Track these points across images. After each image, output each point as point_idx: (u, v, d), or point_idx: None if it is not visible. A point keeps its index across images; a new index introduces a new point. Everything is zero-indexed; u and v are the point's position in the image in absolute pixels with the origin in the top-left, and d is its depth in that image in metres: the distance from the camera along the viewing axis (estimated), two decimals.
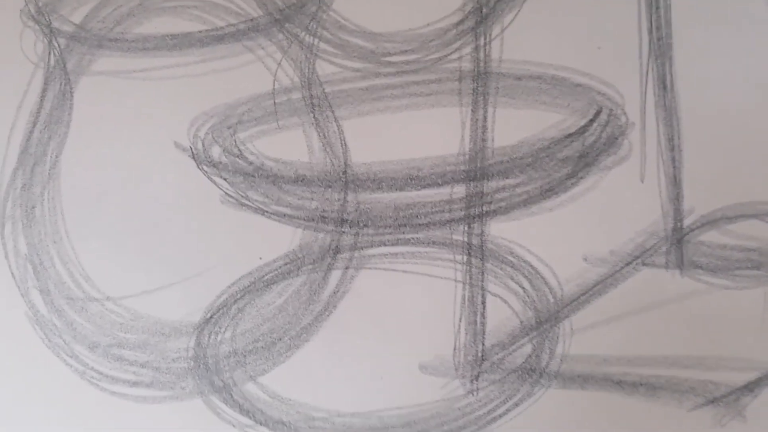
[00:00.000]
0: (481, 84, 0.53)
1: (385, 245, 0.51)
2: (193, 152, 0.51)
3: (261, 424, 0.49)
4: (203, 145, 0.51)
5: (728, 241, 0.52)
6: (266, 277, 0.50)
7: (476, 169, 0.52)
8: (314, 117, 0.52)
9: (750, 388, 0.51)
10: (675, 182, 0.52)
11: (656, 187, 0.52)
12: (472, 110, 0.53)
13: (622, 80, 0.54)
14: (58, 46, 0.52)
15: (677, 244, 0.52)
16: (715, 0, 0.55)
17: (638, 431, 0.51)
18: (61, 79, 0.52)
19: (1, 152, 0.51)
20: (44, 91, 0.51)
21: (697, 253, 0.52)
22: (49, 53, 0.52)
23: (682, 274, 0.52)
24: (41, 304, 0.49)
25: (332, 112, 0.52)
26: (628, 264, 0.51)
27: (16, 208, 0.50)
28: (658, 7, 0.55)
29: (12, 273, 0.49)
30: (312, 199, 0.51)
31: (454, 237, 0.51)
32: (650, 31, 0.54)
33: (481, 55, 0.53)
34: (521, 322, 0.51)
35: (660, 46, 0.54)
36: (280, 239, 0.51)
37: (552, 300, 0.51)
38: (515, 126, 0.53)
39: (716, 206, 0.52)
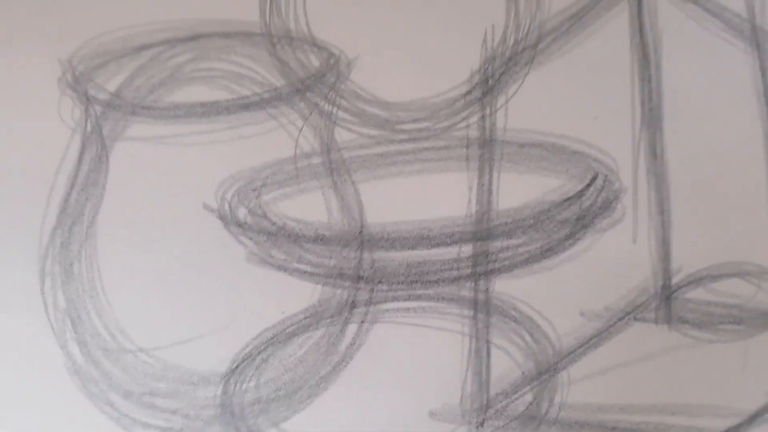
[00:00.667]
0: (487, 150, 0.57)
1: (397, 300, 0.55)
2: (220, 213, 0.55)
3: None
4: (230, 207, 0.55)
5: (712, 298, 0.56)
6: (288, 330, 0.54)
7: (482, 229, 0.56)
8: (333, 180, 0.56)
9: None
10: (664, 243, 0.57)
11: (647, 247, 0.56)
12: (478, 175, 0.57)
13: (617, 148, 0.58)
14: (95, 112, 0.56)
15: (666, 301, 0.56)
16: (704, 74, 0.60)
17: None
18: (97, 144, 0.55)
19: (41, 212, 0.54)
20: (81, 155, 0.55)
21: (684, 309, 0.56)
22: (86, 119, 0.55)
23: (670, 329, 0.56)
24: (79, 355, 0.53)
25: (350, 175, 0.56)
26: (620, 319, 0.56)
27: (56, 265, 0.53)
28: (650, 81, 0.59)
29: (52, 326, 0.53)
30: (330, 257, 0.55)
31: (462, 293, 0.55)
32: (642, 103, 0.59)
33: (487, 123, 0.57)
34: (523, 372, 0.55)
35: (651, 117, 0.58)
36: (301, 295, 0.54)
37: (551, 352, 0.55)
38: (518, 190, 0.57)
39: (702, 266, 0.57)
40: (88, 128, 0.55)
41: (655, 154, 0.58)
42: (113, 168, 0.55)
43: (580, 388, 0.55)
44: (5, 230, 0.54)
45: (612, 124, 0.58)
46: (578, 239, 0.56)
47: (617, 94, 0.59)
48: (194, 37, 0.57)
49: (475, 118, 0.58)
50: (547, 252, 0.56)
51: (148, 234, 0.54)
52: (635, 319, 0.56)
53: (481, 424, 0.54)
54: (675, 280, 0.56)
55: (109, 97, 0.56)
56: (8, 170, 0.55)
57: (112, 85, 0.56)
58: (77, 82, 0.56)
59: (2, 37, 0.57)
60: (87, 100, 0.56)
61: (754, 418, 0.55)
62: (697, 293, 0.56)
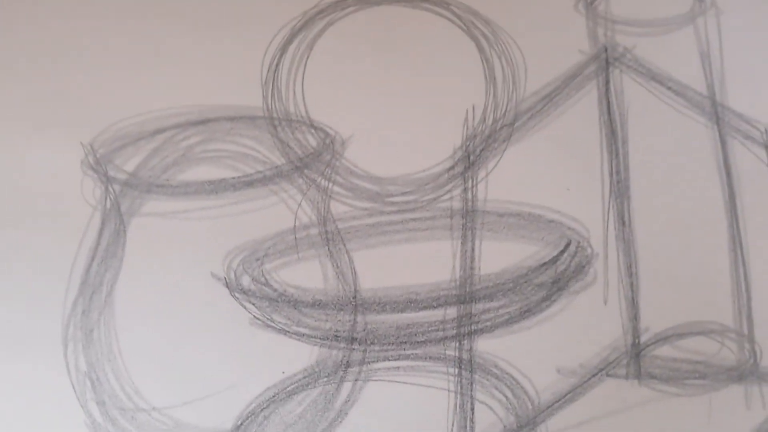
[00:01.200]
0: (469, 220, 0.62)
1: (388, 360, 0.59)
2: (226, 281, 0.60)
3: None
4: (235, 275, 0.60)
5: (679, 355, 0.61)
6: (288, 389, 0.58)
7: (465, 293, 0.61)
8: (329, 249, 0.61)
9: None
10: (633, 304, 0.61)
11: (617, 308, 0.61)
12: (461, 243, 0.62)
13: (588, 217, 0.63)
14: (114, 191, 0.61)
15: (636, 358, 0.60)
16: (668, 147, 0.65)
17: None
18: (116, 219, 0.61)
19: (64, 283, 0.59)
20: (101, 230, 0.60)
21: (652, 365, 0.60)
22: (106, 197, 0.61)
23: (640, 384, 0.60)
24: (98, 414, 0.57)
25: (344, 245, 0.61)
26: (594, 375, 0.60)
27: (77, 331, 0.59)
28: (617, 154, 0.64)
29: (73, 387, 0.58)
30: (327, 320, 0.60)
31: (447, 352, 0.60)
32: (611, 175, 0.64)
33: (469, 195, 0.63)
34: (504, 426, 0.59)
35: (620, 188, 0.64)
36: (300, 356, 0.59)
37: (530, 407, 0.59)
38: (498, 256, 0.62)
39: (669, 325, 0.61)
40: (108, 206, 0.61)
41: (624, 221, 0.63)
42: (130, 241, 0.61)
43: None
44: (33, 300, 0.59)
45: (583, 195, 0.63)
46: (554, 301, 0.61)
47: (588, 168, 0.64)
48: (203, 121, 0.63)
49: (458, 191, 0.63)
50: (526, 313, 0.61)
51: (161, 301, 0.60)
52: (608, 375, 0.60)
53: None
54: (644, 338, 0.61)
55: (127, 177, 0.62)
56: (36, 245, 0.61)
57: (130, 166, 0.62)
58: (98, 163, 0.62)
59: (30, 123, 0.63)
60: (107, 180, 0.62)
61: None
62: (665, 350, 0.61)
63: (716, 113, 0.66)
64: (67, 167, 0.62)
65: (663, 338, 0.61)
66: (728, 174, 0.65)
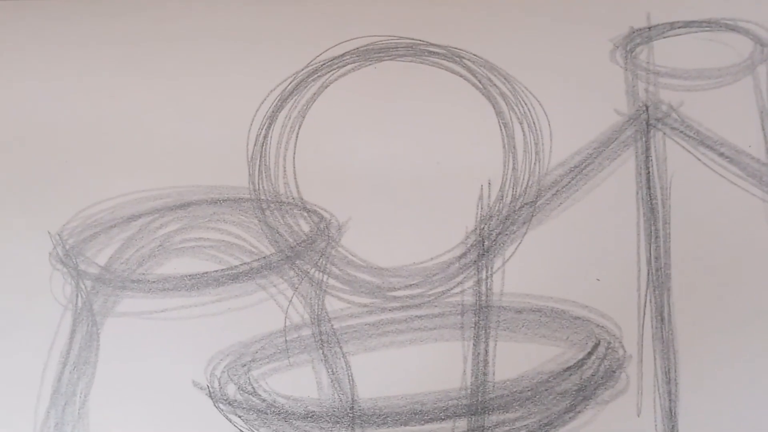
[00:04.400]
0: (482, 317, 0.52)
1: None
2: (210, 391, 0.51)
3: None
4: (219, 384, 0.51)
5: None
6: None
7: (477, 403, 0.51)
8: (323, 353, 0.51)
9: None
10: (671, 416, 0.51)
11: (653, 421, 0.51)
12: (473, 344, 0.52)
13: (621, 312, 0.52)
14: (85, 288, 0.52)
15: None
16: (717, 226, 0.53)
17: None
18: (88, 320, 0.52)
19: (35, 391, 0.52)
20: (73, 332, 0.52)
21: None
22: (77, 295, 0.52)
23: None
24: None
25: (340, 348, 0.52)
26: None
27: None
28: (657, 237, 0.53)
29: None
30: None
31: None
32: (649, 262, 0.53)
33: (483, 288, 0.52)
34: None
35: (658, 277, 0.52)
36: None
37: None
38: (515, 360, 0.52)
39: None
40: (79, 304, 0.52)
41: (662, 318, 0.52)
42: (104, 345, 0.52)
43: None
44: (2, 411, 0.51)
45: (616, 287, 0.53)
46: (579, 412, 0.51)
47: (622, 253, 0.53)
48: (183, 205, 0.54)
49: (470, 283, 0.52)
50: (546, 426, 0.51)
51: (138, 413, 0.52)
52: None
53: None
54: None
55: (99, 271, 0.53)
56: (3, 349, 0.52)
57: (102, 258, 0.53)
58: (68, 256, 0.53)
59: None
60: (78, 275, 0.53)
61: None
62: None
63: None
64: (35, 261, 0.53)
65: None
66: None
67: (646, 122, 0.55)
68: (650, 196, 0.54)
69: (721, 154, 0.55)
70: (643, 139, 0.55)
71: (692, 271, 0.53)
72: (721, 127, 0.55)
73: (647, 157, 0.55)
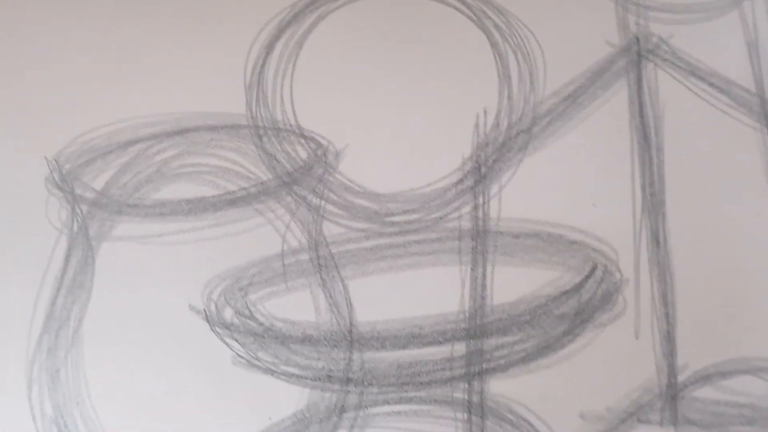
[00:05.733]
0: (480, 242, 0.51)
1: (388, 404, 0.49)
2: (206, 315, 0.49)
3: None
4: (216, 307, 0.49)
5: (722, 397, 0.49)
6: None
7: (476, 326, 0.50)
8: (321, 277, 0.50)
9: None
10: (669, 338, 0.50)
11: (650, 343, 0.50)
12: (471, 268, 0.50)
13: (617, 237, 0.51)
14: (81, 212, 0.51)
15: (671, 401, 0.49)
16: (709, 153, 0.52)
17: None
18: (84, 245, 0.50)
19: (28, 318, 0.49)
20: (68, 257, 0.50)
21: (691, 409, 0.49)
22: (73, 220, 0.51)
23: (676, 431, 0.48)
24: None
25: (338, 272, 0.50)
26: (623, 421, 0.49)
27: (42, 372, 0.49)
28: (651, 163, 0.52)
29: None
30: (319, 358, 0.49)
31: (455, 395, 0.49)
32: (643, 188, 0.52)
33: (480, 213, 0.51)
34: None
35: (653, 202, 0.51)
36: (289, 399, 0.49)
37: None
38: (513, 283, 0.50)
39: (710, 362, 0.50)
40: (75, 229, 0.50)
41: (658, 242, 0.51)
42: (99, 269, 0.50)
43: None
44: None
45: (611, 211, 0.52)
46: (577, 335, 0.50)
47: (616, 179, 0.52)
48: (180, 132, 0.52)
49: (467, 208, 0.51)
50: (545, 349, 0.49)
51: (133, 338, 0.49)
52: (639, 420, 0.49)
53: None
54: (681, 377, 0.49)
55: (96, 196, 0.51)
56: None
57: (99, 183, 0.51)
58: (64, 181, 0.51)
59: None
60: (74, 199, 0.51)
61: None
62: (705, 392, 0.49)
63: (765, 113, 0.53)
64: (31, 185, 0.51)
65: (703, 377, 0.49)
66: None
67: (637, 54, 0.55)
68: (643, 125, 0.54)
69: (712, 85, 0.54)
70: (635, 70, 0.54)
71: (686, 196, 0.52)
72: (710, 59, 0.54)
73: (639, 87, 0.54)
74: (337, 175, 0.52)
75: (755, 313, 0.50)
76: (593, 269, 0.51)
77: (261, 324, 0.50)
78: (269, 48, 0.53)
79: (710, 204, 0.52)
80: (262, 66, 0.53)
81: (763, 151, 0.52)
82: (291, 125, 0.52)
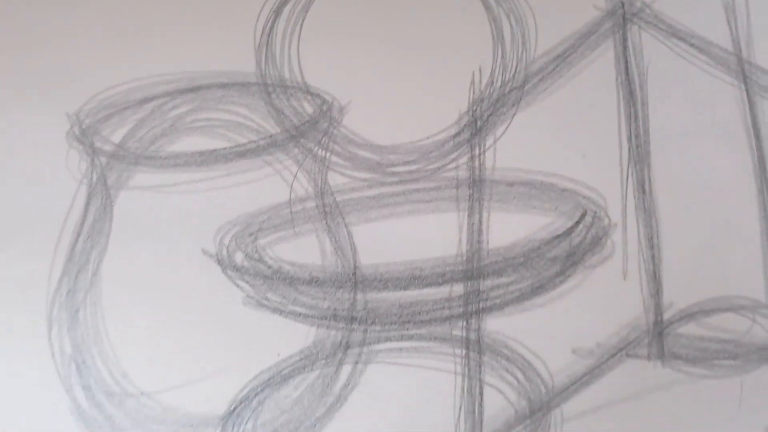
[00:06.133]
0: (476, 190, 0.53)
1: (390, 341, 0.51)
2: (218, 258, 0.52)
3: None
4: (227, 252, 0.52)
5: (706, 333, 0.52)
6: (284, 372, 0.50)
7: (473, 269, 0.52)
8: (326, 223, 0.52)
9: None
10: (655, 278, 0.52)
11: (638, 283, 0.52)
12: (468, 215, 0.53)
13: (605, 185, 0.54)
14: (100, 164, 0.53)
15: (658, 337, 0.51)
16: (690, 108, 0.55)
17: None
18: (102, 194, 0.53)
19: (48, 261, 0.52)
20: (87, 205, 0.52)
21: (676, 344, 0.51)
22: (92, 171, 0.53)
23: (663, 365, 0.51)
24: (83, 399, 0.50)
25: (343, 218, 0.53)
26: (613, 356, 0.51)
27: (62, 312, 0.51)
28: (636, 117, 0.55)
29: (58, 371, 0.50)
30: (325, 299, 0.52)
31: (454, 332, 0.51)
32: (629, 140, 0.55)
33: (476, 163, 0.54)
34: (516, 411, 0.50)
35: (639, 153, 0.54)
36: (296, 336, 0.51)
37: (544, 390, 0.50)
38: (508, 229, 0.53)
39: (694, 300, 0.52)
40: (94, 179, 0.53)
41: (644, 189, 0.54)
42: (117, 217, 0.53)
43: (574, 427, 0.50)
44: (15, 279, 0.52)
45: (600, 162, 0.54)
46: (568, 276, 0.52)
47: (604, 132, 0.55)
48: (193, 89, 0.55)
49: (464, 159, 0.54)
50: (538, 289, 0.52)
51: (150, 280, 0.52)
52: (627, 355, 0.51)
53: None
54: (667, 315, 0.52)
55: (114, 149, 0.54)
56: (19, 221, 0.53)
57: (117, 137, 0.54)
58: (84, 135, 0.54)
59: (13, 92, 0.55)
60: (93, 152, 0.53)
61: None
62: (690, 328, 0.52)
63: (743, 71, 0.56)
64: (52, 139, 0.54)
65: (688, 315, 0.52)
66: (757, 137, 0.55)
67: (622, 17, 0.58)
68: (629, 82, 0.57)
69: (692, 45, 0.58)
70: (620, 31, 0.58)
71: (669, 146, 0.55)
72: (690, 22, 0.57)
73: (625, 47, 0.58)
74: (341, 129, 0.54)
75: (736, 255, 0.53)
76: (583, 215, 0.53)
77: (270, 267, 0.52)
78: (277, 12, 0.56)
79: (692, 154, 0.54)
80: (271, 28, 0.56)
81: (740, 104, 0.55)
82: (298, 82, 0.55)
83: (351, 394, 0.50)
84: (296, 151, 0.54)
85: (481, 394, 0.51)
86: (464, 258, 0.52)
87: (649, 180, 0.54)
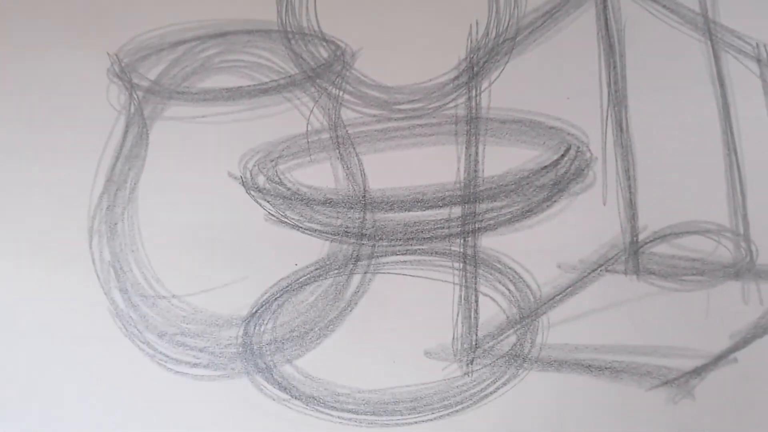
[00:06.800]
0: (473, 126, 0.61)
1: (396, 255, 0.58)
2: (242, 180, 0.59)
3: (296, 398, 0.55)
4: (251, 175, 0.59)
5: (676, 253, 0.59)
6: (300, 280, 0.57)
7: (470, 194, 0.59)
8: (339, 153, 0.59)
9: (698, 372, 0.57)
10: (631, 205, 0.59)
11: (616, 208, 0.59)
12: (466, 147, 0.60)
13: (587, 124, 0.61)
14: (137, 97, 0.60)
15: (634, 255, 0.58)
16: (662, 60, 0.63)
17: (604, 407, 0.56)
18: (139, 123, 0.60)
19: (90, 180, 0.58)
20: (126, 132, 0.59)
21: (650, 262, 0.58)
22: (130, 103, 0.60)
23: (638, 279, 0.58)
24: (120, 301, 0.56)
25: (354, 148, 0.60)
26: (593, 270, 0.58)
27: (102, 224, 0.57)
28: (615, 66, 0.62)
29: (98, 276, 0.57)
30: (337, 217, 0.58)
31: (452, 248, 0.58)
32: (609, 85, 0.62)
33: (473, 103, 0.61)
34: (507, 317, 0.57)
35: (617, 97, 0.62)
36: (312, 250, 0.58)
37: (532, 299, 0.57)
38: (501, 160, 0.60)
39: (666, 224, 0.59)
40: (132, 110, 0.60)
41: (621, 128, 0.61)
42: (152, 143, 0.60)
43: (559, 331, 0.57)
44: (60, 196, 0.59)
45: (583, 103, 0.62)
46: (555, 201, 0.59)
47: (587, 78, 0.62)
48: (222, 34, 0.62)
49: (462, 99, 0.61)
50: (528, 213, 0.59)
51: (181, 198, 0.59)
52: (606, 270, 0.58)
53: (471, 362, 0.57)
54: (641, 236, 0.59)
55: (150, 84, 0.61)
56: (63, 146, 0.60)
57: (153, 74, 0.61)
58: (123, 72, 0.61)
59: (58, 34, 0.62)
60: (131, 86, 0.61)
61: (718, 359, 0.57)
62: (662, 248, 0.59)
63: (709, 29, 0.64)
64: (95, 75, 0.61)
65: (661, 236, 0.59)
66: (722, 85, 0.63)
67: None
68: (608, 36, 0.65)
69: (663, 6, 0.66)
70: None
71: (644, 91, 0.62)
72: None
73: (605, 6, 0.65)
74: (353, 71, 0.62)
75: (703, 185, 0.60)
76: (568, 149, 0.61)
77: (288, 189, 0.59)
78: None
79: (664, 98, 0.62)
80: None
81: (706, 57, 0.63)
82: (315, 30, 0.63)
83: (360, 300, 0.57)
84: (313, 89, 0.61)
85: (476, 301, 0.57)
86: (462, 184, 0.60)
87: (626, 120, 0.61)
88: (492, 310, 0.57)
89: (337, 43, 0.62)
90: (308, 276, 0.57)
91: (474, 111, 0.61)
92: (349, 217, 0.59)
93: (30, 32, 0.62)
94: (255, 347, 0.56)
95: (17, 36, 0.62)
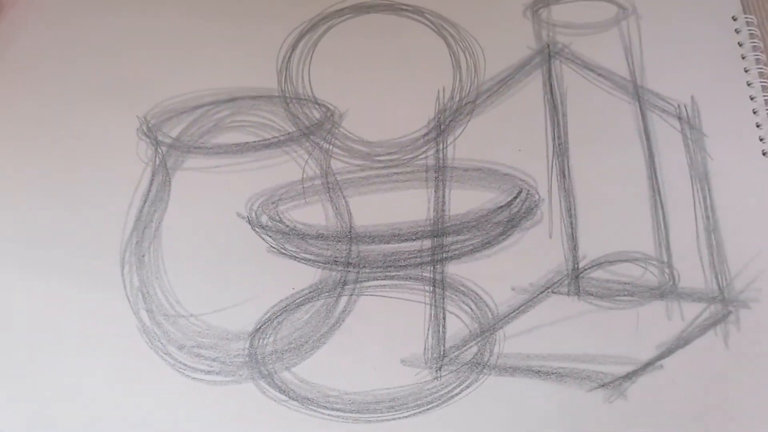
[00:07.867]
0: (440, 174, 0.75)
1: (377, 280, 0.71)
2: (249, 219, 0.72)
3: (293, 399, 0.67)
4: (255, 215, 0.72)
5: (611, 277, 0.71)
6: (297, 301, 0.70)
7: (438, 229, 0.73)
8: (329, 196, 0.73)
9: (629, 377, 0.68)
10: (572, 238, 0.73)
11: (560, 241, 0.72)
12: (434, 191, 0.74)
13: (536, 171, 0.75)
14: (162, 152, 0.74)
15: (575, 279, 0.71)
16: (598, 119, 0.77)
17: (551, 406, 0.67)
18: (163, 173, 0.74)
19: (122, 220, 0.72)
20: (152, 180, 0.73)
21: (589, 285, 0.71)
22: (155, 156, 0.74)
23: (579, 299, 0.70)
24: (147, 319, 0.69)
25: (342, 192, 0.74)
26: (541, 292, 0.70)
27: (132, 256, 0.71)
28: (558, 124, 0.77)
29: (128, 299, 0.69)
30: (328, 249, 0.72)
31: (424, 274, 0.71)
32: (554, 139, 0.76)
33: (441, 155, 0.75)
34: (470, 331, 0.69)
35: (561, 149, 0.76)
36: (306, 276, 0.71)
37: (491, 316, 0.70)
38: (464, 201, 0.74)
39: (601, 253, 0.72)
40: (157, 162, 0.74)
41: (564, 174, 0.75)
42: (174, 189, 0.73)
43: (513, 342, 0.69)
44: (97, 233, 0.72)
45: (532, 154, 0.76)
46: (509, 235, 0.72)
47: (535, 134, 0.77)
48: (232, 99, 0.77)
49: (432, 152, 0.75)
50: (486, 244, 0.72)
51: (197, 234, 0.72)
52: (553, 292, 0.70)
53: (440, 368, 0.69)
54: (582, 264, 0.71)
55: (172, 141, 0.75)
56: (101, 193, 0.73)
57: (174, 133, 0.76)
58: (150, 131, 0.75)
59: (95, 99, 0.77)
60: (156, 143, 0.75)
61: (646, 366, 0.68)
62: (599, 274, 0.71)
63: (637, 93, 0.79)
64: (126, 134, 0.75)
65: (597, 264, 0.71)
66: (648, 139, 0.77)
67: (548, 54, 0.81)
68: (553, 99, 0.79)
69: (599, 75, 0.80)
70: (547, 64, 0.81)
71: (583, 144, 0.75)
72: (598, 58, 0.80)
73: (550, 75, 0.80)
74: (341, 129, 0.76)
75: (633, 223, 0.73)
76: (519, 192, 0.75)
77: (287, 226, 0.73)
78: (294, 46, 0.80)
79: (600, 150, 0.76)
80: (289, 57, 0.79)
81: (635, 116, 0.78)
82: (309, 96, 0.78)
83: (347, 318, 0.70)
84: (307, 144, 0.76)
85: (444, 318, 0.70)
86: (432, 221, 0.73)
87: (568, 168, 0.75)
88: (457, 325, 0.70)
89: (328, 106, 0.77)
90: (303, 298, 0.70)
91: (441, 161, 0.76)
92: (338, 249, 0.72)
93: (73, 99, 0.77)
94: (259, 357, 0.69)
95: (65, 100, 0.77)
